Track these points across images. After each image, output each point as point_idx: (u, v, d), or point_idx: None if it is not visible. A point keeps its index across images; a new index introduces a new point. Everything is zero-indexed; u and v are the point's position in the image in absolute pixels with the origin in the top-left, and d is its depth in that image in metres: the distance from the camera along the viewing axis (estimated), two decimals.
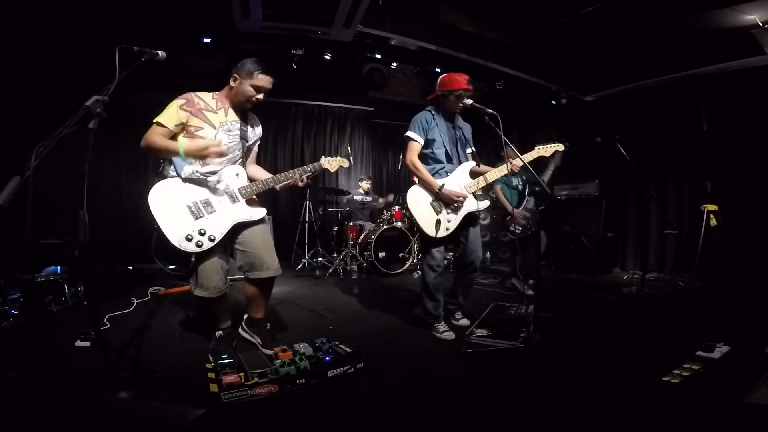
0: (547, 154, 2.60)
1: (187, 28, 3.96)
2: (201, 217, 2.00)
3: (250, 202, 2.17)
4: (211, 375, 1.83)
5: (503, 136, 2.29)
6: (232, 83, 2.13)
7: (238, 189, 2.11)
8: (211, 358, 2.06)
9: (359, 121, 7.03)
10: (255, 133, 2.31)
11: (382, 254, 4.84)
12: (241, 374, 1.81)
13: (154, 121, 2.00)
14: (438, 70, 4.78)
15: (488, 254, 6.21)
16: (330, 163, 2.39)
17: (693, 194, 4.79)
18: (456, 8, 4.70)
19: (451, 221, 2.53)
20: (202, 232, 1.97)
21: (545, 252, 4.10)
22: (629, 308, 3.38)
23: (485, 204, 2.64)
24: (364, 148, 7.14)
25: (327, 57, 4.47)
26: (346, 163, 2.46)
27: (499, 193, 3.82)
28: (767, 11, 3.69)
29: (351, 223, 5.30)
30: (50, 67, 4.29)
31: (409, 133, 2.58)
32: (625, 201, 5.34)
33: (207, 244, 1.98)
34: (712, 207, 4.20)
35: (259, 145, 2.40)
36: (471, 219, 2.63)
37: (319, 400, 1.73)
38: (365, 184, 5.93)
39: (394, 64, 4.79)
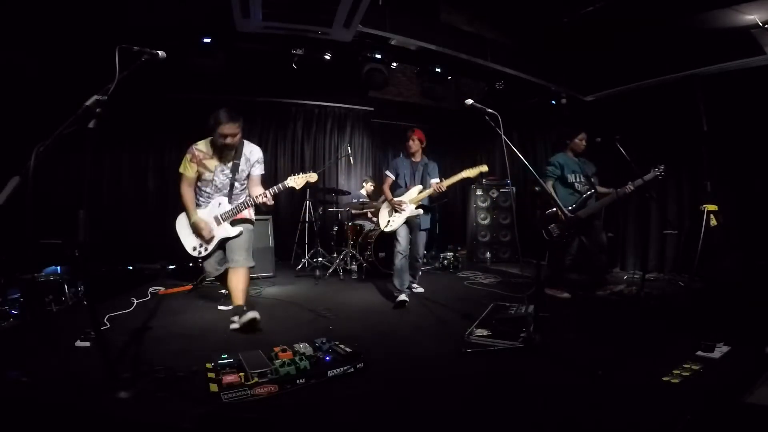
0: (472, 176, 3.43)
1: (187, 28, 3.95)
2: (196, 233, 2.81)
3: (234, 222, 2.79)
4: (211, 375, 1.82)
5: (503, 136, 2.29)
6: (212, 133, 2.69)
7: (220, 215, 2.77)
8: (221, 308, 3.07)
9: (359, 121, 7.04)
10: (248, 163, 2.83)
11: (382, 254, 4.84)
12: (241, 374, 1.81)
13: (180, 172, 2.78)
14: (438, 70, 4.78)
15: (488, 254, 6.21)
16: (295, 181, 2.76)
17: (693, 194, 4.78)
18: (456, 8, 4.70)
19: (395, 221, 3.61)
20: (201, 245, 2.83)
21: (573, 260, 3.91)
22: (629, 308, 3.37)
23: (419, 212, 3.59)
24: (364, 148, 7.14)
25: (327, 57, 4.46)
26: (313, 178, 2.81)
27: (550, 188, 3.62)
28: (767, 11, 3.69)
29: (351, 223, 5.30)
30: (50, 67, 4.29)
31: (386, 172, 3.88)
32: (625, 201, 5.33)
33: (203, 253, 2.84)
34: (712, 207, 4.19)
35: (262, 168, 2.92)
36: (415, 226, 3.66)
37: (319, 400, 1.73)
38: (368, 186, 5.91)
39: (394, 64, 4.78)
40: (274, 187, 2.74)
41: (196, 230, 2.76)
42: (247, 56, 4.46)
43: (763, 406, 1.46)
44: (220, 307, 3.26)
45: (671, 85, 4.82)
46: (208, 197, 2.82)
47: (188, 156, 2.75)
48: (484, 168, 3.44)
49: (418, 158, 3.77)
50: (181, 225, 2.87)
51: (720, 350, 2.14)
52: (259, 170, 2.90)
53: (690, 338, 2.30)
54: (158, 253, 5.30)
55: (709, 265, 3.94)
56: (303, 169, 6.41)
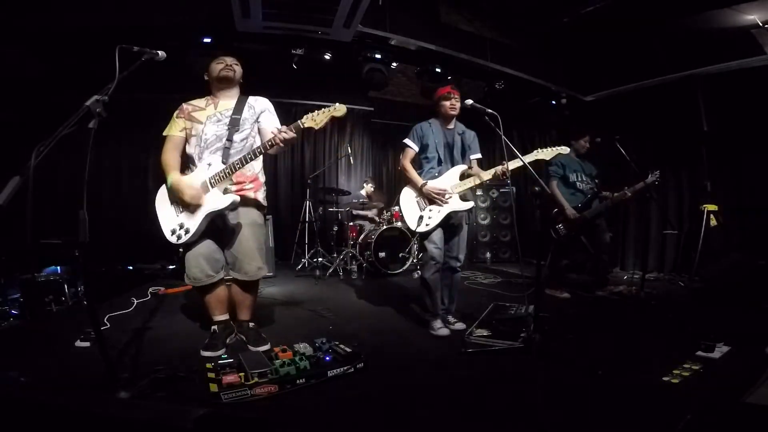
0: (547, 158, 2.61)
1: (187, 28, 3.95)
2: (182, 212, 2.17)
3: (227, 190, 2.14)
4: (211, 375, 1.82)
5: (503, 136, 2.29)
6: (206, 78, 2.36)
7: (209, 178, 2.11)
8: (204, 353, 2.15)
9: (359, 121, 7.03)
10: (253, 111, 2.30)
11: (382, 254, 4.84)
12: (241, 374, 1.80)
13: (164, 134, 2.28)
14: (438, 70, 4.78)
15: (488, 254, 6.21)
16: (314, 120, 2.05)
17: (693, 194, 4.79)
18: (456, 8, 4.70)
19: (432, 218, 2.64)
20: (181, 225, 2.14)
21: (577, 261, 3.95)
22: (629, 308, 3.37)
23: (469, 205, 2.67)
24: (364, 148, 7.14)
25: (327, 57, 4.47)
26: (340, 111, 2.08)
27: (555, 188, 3.66)
28: (767, 11, 3.69)
29: (351, 223, 5.30)
30: (50, 66, 4.29)
31: (405, 140, 2.82)
32: (625, 201, 5.34)
33: (184, 237, 2.12)
34: (712, 207, 4.19)
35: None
36: (455, 221, 2.71)
37: (319, 400, 1.73)
38: (368, 187, 5.91)
39: (394, 64, 4.78)
40: (288, 126, 2.06)
41: (176, 191, 2.07)
42: (247, 56, 4.45)
43: (763, 406, 1.46)
44: (204, 353, 2.17)
45: (671, 85, 4.82)
46: (199, 159, 2.19)
47: (176, 112, 2.28)
48: (565, 149, 2.63)
49: (452, 125, 2.78)
50: (160, 202, 2.23)
51: (720, 350, 2.14)
52: (271, 120, 2.32)
53: (690, 338, 2.30)
54: (158, 253, 5.30)
55: (709, 265, 3.94)
56: (303, 169, 6.51)
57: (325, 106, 2.09)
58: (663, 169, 3.61)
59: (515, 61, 5.09)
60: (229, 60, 2.32)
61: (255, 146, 2.18)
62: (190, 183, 2.09)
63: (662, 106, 4.97)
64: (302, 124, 2.06)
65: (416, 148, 2.76)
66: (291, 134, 2.03)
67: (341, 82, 5.73)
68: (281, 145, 2.04)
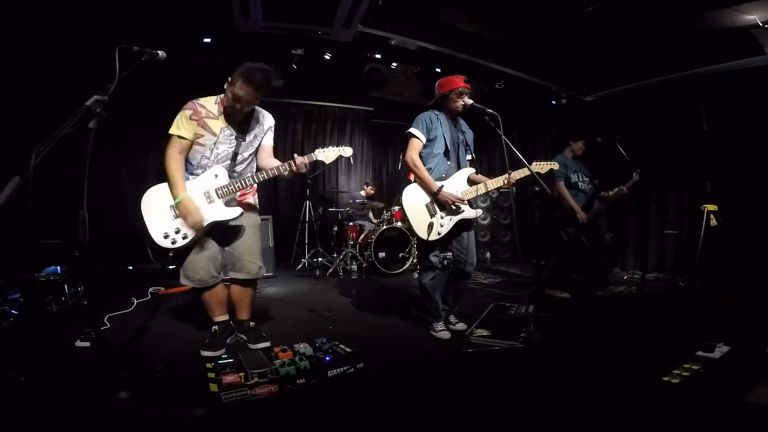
0: (542, 171, 2.58)
1: (187, 28, 3.95)
2: (178, 217, 2.12)
3: (231, 202, 2.21)
4: (211, 375, 1.83)
5: (503, 136, 2.28)
6: (225, 86, 2.14)
7: (215, 189, 2.14)
8: (204, 353, 2.16)
9: (359, 121, 7.03)
10: (261, 129, 2.30)
11: (382, 254, 4.84)
12: (241, 374, 1.81)
13: (171, 134, 2.14)
14: (438, 70, 4.78)
15: (488, 254, 6.21)
16: (325, 155, 2.22)
17: (693, 194, 4.79)
18: (456, 8, 4.70)
19: (444, 225, 2.50)
20: (177, 230, 2.12)
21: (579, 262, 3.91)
22: (629, 308, 3.37)
23: (478, 212, 2.59)
24: (364, 148, 7.13)
25: (327, 57, 4.47)
26: (348, 152, 2.26)
27: (563, 189, 3.62)
28: (767, 11, 3.69)
29: (351, 223, 5.30)
30: (50, 66, 4.29)
31: (412, 130, 2.57)
32: (625, 201, 5.35)
33: (180, 242, 2.11)
34: (712, 207, 4.19)
35: (274, 138, 2.39)
36: (465, 225, 2.60)
37: (319, 400, 1.73)
38: (369, 189, 5.92)
39: (394, 64, 4.79)
40: (304, 156, 2.15)
41: (183, 213, 2.06)
42: (247, 56, 4.45)
43: (763, 406, 1.46)
44: (204, 352, 2.18)
45: (671, 85, 4.83)
46: (204, 169, 2.17)
47: (187, 112, 2.12)
48: (555, 165, 2.70)
49: (457, 121, 2.64)
50: (150, 204, 2.17)
51: (720, 350, 2.14)
52: (271, 139, 2.35)
53: (690, 338, 2.31)
54: (158, 253, 5.30)
55: (709, 265, 3.94)
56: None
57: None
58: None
59: (515, 61, 5.10)
60: (245, 98, 2.07)
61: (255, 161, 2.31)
62: (196, 207, 2.08)
63: (662, 106, 4.97)
64: (314, 156, 2.19)
65: (424, 140, 2.53)
66: (305, 169, 2.13)
67: (341, 82, 5.73)
68: (296, 173, 2.12)
